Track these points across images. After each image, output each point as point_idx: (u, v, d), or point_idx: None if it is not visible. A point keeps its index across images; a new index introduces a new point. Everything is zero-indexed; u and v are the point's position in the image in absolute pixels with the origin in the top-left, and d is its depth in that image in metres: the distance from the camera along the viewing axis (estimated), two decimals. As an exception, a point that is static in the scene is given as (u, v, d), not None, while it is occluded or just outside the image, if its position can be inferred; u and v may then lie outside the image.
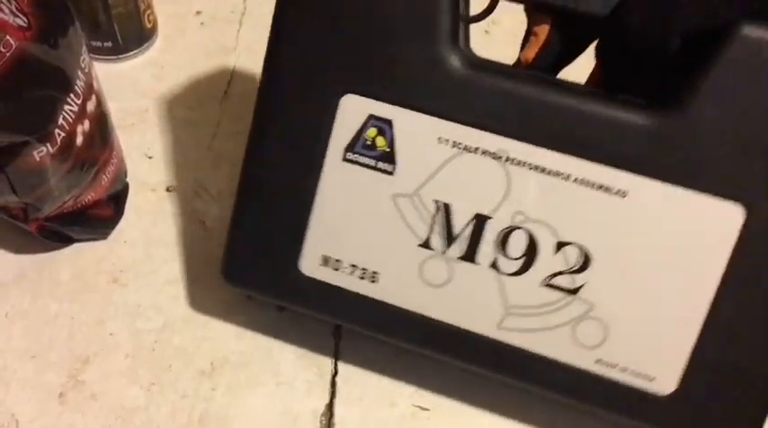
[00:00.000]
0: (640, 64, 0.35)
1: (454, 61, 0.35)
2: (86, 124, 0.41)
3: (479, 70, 0.35)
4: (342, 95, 0.36)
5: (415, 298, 0.38)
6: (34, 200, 0.41)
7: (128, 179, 0.49)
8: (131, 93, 0.55)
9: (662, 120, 0.33)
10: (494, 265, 0.36)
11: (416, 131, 0.36)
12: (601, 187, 0.34)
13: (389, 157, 0.36)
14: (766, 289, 0.34)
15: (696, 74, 0.32)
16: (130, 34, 0.55)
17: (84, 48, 0.41)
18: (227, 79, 0.56)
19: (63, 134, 0.39)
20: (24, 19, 0.37)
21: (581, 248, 0.35)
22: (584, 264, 0.35)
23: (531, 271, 0.36)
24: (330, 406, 0.41)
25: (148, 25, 0.56)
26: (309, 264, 0.38)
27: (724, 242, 0.34)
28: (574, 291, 0.36)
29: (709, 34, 0.32)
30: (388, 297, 0.38)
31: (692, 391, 0.35)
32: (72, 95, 0.39)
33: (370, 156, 0.37)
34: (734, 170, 0.33)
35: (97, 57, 0.55)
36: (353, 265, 0.38)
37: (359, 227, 0.38)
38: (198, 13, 0.60)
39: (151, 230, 0.48)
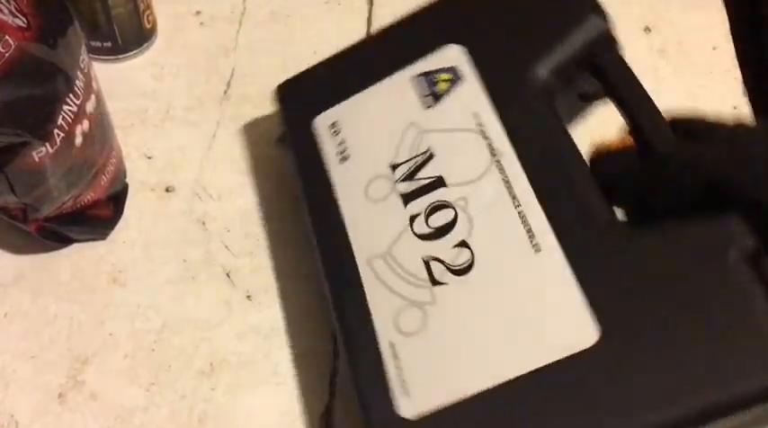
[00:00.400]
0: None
1: None
2: (86, 124, 0.41)
3: None
4: None
5: (349, 204, 0.41)
6: (33, 201, 0.41)
7: (127, 179, 0.49)
8: (131, 93, 0.55)
9: None
10: (412, 219, 0.38)
11: None
12: (529, 233, 0.35)
13: None
14: None
15: None
16: (130, 34, 0.55)
17: (84, 48, 0.41)
18: (227, 79, 0.56)
19: (62, 134, 0.39)
20: (23, 19, 0.37)
21: (472, 261, 0.36)
22: (461, 272, 0.36)
23: (427, 242, 0.38)
24: (329, 406, 0.41)
25: (148, 25, 0.56)
26: None
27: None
28: (435, 282, 0.37)
29: None
30: None
31: None
32: (71, 95, 0.39)
33: None
34: None
35: (97, 57, 0.55)
36: None
37: None
38: (198, 13, 0.60)
39: (151, 230, 0.48)
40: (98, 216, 0.46)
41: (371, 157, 0.42)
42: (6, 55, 0.35)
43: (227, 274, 0.45)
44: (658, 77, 0.57)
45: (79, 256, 0.46)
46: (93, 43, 0.54)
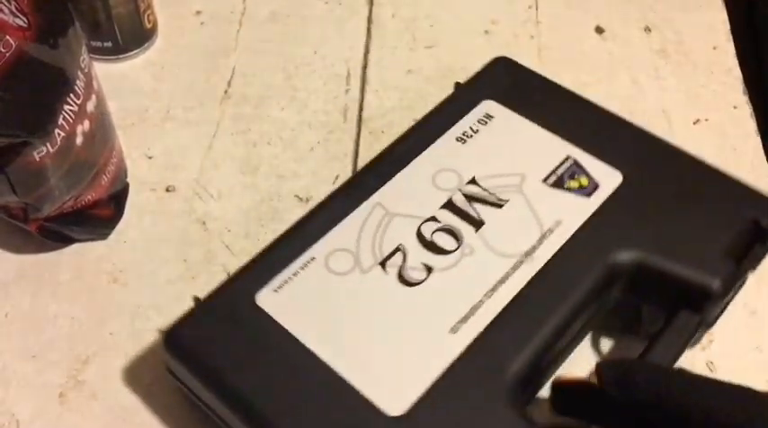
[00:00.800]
0: None
1: None
2: (86, 124, 0.41)
3: None
4: None
5: None
6: (34, 201, 0.41)
7: (128, 179, 0.49)
8: (131, 93, 0.55)
9: None
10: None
11: None
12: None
13: None
14: None
15: None
16: (130, 34, 0.55)
17: (84, 48, 0.41)
18: (228, 79, 0.56)
19: (63, 134, 0.39)
20: (24, 19, 0.37)
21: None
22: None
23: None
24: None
25: (148, 25, 0.56)
26: None
27: None
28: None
29: None
30: None
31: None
32: (72, 95, 0.39)
33: None
34: None
35: (97, 57, 0.55)
36: None
37: None
38: (198, 13, 0.60)
39: (151, 230, 0.48)
40: (99, 216, 0.46)
41: None
42: (7, 55, 0.35)
43: (228, 274, 0.46)
44: (658, 77, 0.57)
45: (80, 256, 0.46)
46: (94, 43, 0.54)
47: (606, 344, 0.43)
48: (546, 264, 0.39)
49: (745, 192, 0.42)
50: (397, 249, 0.40)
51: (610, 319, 0.42)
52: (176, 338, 0.37)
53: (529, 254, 0.39)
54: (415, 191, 0.42)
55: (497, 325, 0.37)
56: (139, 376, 0.42)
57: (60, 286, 0.45)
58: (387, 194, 0.42)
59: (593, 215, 0.41)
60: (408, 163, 0.43)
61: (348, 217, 0.41)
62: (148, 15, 0.56)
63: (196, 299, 0.39)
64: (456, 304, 0.37)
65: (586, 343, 0.43)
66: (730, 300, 0.41)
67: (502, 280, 0.38)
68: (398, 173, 0.43)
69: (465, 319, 0.37)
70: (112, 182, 0.46)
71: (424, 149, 0.44)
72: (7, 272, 0.45)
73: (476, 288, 0.38)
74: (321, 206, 0.42)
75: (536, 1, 0.62)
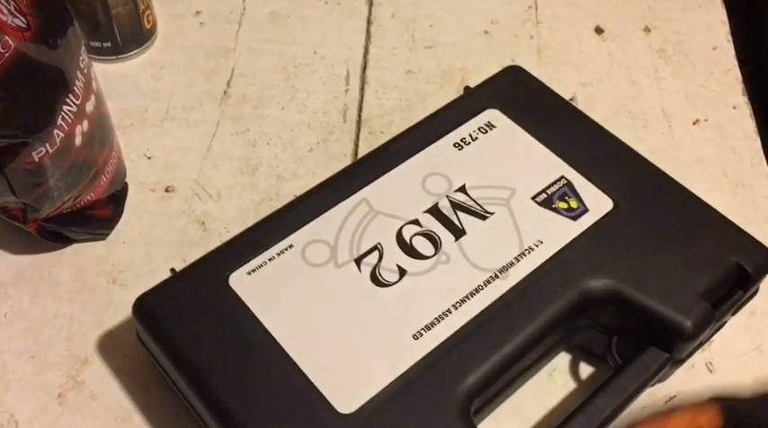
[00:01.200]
0: None
1: None
2: (85, 124, 0.41)
3: None
4: None
5: None
6: (33, 201, 0.41)
7: (127, 179, 0.49)
8: (131, 93, 0.55)
9: None
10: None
11: None
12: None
13: None
14: None
15: None
16: (130, 34, 0.55)
17: (83, 48, 0.41)
18: (227, 79, 0.56)
19: (62, 134, 0.39)
20: (23, 19, 0.37)
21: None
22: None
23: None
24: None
25: (148, 25, 0.56)
26: None
27: None
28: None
29: None
30: None
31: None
32: (71, 96, 0.39)
33: None
34: None
35: (96, 57, 0.55)
36: None
37: None
38: (198, 13, 0.60)
39: (150, 230, 0.48)
40: (98, 216, 0.46)
41: None
42: (6, 55, 0.35)
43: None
44: (658, 77, 0.57)
45: (79, 256, 0.46)
46: (93, 43, 0.54)
47: (575, 368, 0.43)
48: (519, 283, 0.39)
49: (735, 234, 0.41)
50: (375, 248, 0.40)
51: (582, 344, 0.42)
52: (145, 304, 0.38)
53: (504, 270, 0.39)
54: (403, 192, 0.42)
55: (460, 338, 0.37)
56: (139, 376, 0.42)
57: (59, 286, 0.45)
58: (375, 191, 0.42)
59: (576, 239, 0.40)
60: (402, 162, 0.43)
61: (333, 209, 0.41)
62: (148, 15, 0.56)
63: (173, 271, 0.40)
64: (423, 310, 0.38)
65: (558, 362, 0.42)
66: (706, 341, 0.40)
67: (472, 293, 0.38)
68: (390, 172, 0.43)
69: (429, 327, 0.37)
70: (111, 183, 0.46)
71: (420, 150, 0.44)
72: (7, 273, 0.45)
73: (446, 297, 0.38)
74: (308, 194, 0.43)
75: (536, 1, 0.62)
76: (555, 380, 0.42)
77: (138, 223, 0.48)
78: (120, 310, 0.44)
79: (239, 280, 0.38)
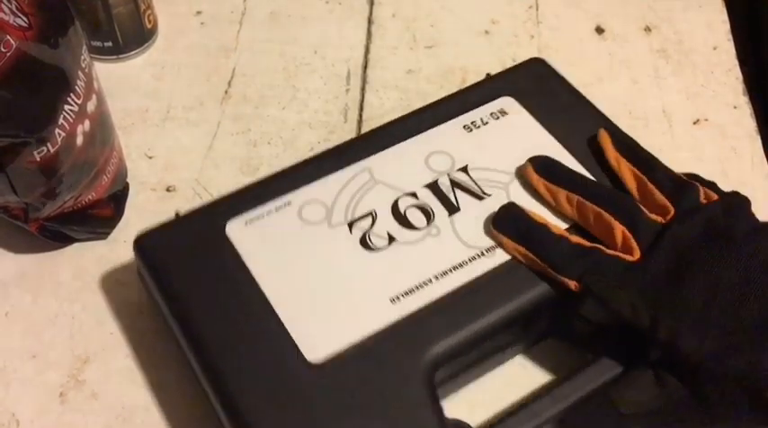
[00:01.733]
0: None
1: None
2: (86, 124, 0.41)
3: None
4: None
5: None
6: (34, 200, 0.41)
7: (128, 179, 0.49)
8: (131, 93, 0.55)
9: None
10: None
11: None
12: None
13: None
14: None
15: None
16: (130, 34, 0.55)
17: (85, 48, 0.41)
18: (228, 79, 0.56)
19: (63, 134, 0.39)
20: (25, 19, 0.37)
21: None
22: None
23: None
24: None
25: (148, 25, 0.56)
26: None
27: None
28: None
29: None
30: None
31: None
32: (72, 95, 0.39)
33: None
34: None
35: (97, 57, 0.55)
36: None
37: None
38: (198, 13, 0.60)
39: (151, 230, 0.48)
40: (99, 215, 0.46)
41: None
42: (7, 54, 0.35)
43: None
44: (659, 77, 0.57)
45: (80, 256, 0.46)
46: (94, 43, 0.54)
47: (554, 358, 0.42)
48: (504, 264, 0.39)
49: None
50: (369, 214, 0.41)
51: (564, 334, 0.42)
52: (145, 241, 0.41)
53: (491, 250, 0.40)
54: (406, 166, 0.43)
55: (435, 308, 0.37)
56: (140, 376, 0.42)
57: (60, 286, 0.45)
58: (378, 162, 0.43)
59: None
60: (409, 137, 0.44)
61: (335, 173, 0.42)
62: (149, 15, 0.56)
63: (177, 214, 0.42)
64: (405, 277, 0.38)
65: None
66: None
67: (456, 267, 0.39)
68: (396, 145, 0.44)
69: (408, 293, 0.38)
70: (113, 182, 0.46)
71: (429, 128, 0.45)
72: (7, 272, 0.45)
73: (429, 267, 0.39)
74: (315, 157, 0.44)
75: (536, 1, 0.62)
76: (528, 369, 0.42)
77: (139, 223, 0.48)
78: (122, 309, 0.44)
79: (235, 229, 0.40)
